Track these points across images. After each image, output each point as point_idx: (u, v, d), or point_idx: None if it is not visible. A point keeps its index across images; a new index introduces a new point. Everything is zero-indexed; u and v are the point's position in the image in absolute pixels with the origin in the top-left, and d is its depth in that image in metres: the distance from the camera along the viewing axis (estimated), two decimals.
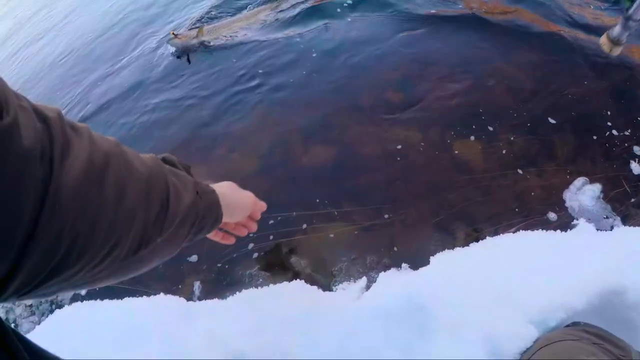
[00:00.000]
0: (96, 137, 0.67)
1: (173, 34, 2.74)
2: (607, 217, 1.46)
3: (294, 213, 1.61)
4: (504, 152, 1.64)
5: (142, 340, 1.35)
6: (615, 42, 1.03)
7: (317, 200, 1.62)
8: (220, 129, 1.95)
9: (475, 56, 1.93)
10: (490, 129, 1.69)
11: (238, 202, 1.14)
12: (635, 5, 0.94)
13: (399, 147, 1.71)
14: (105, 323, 1.45)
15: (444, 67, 1.91)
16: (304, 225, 1.58)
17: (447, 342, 1.12)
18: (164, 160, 0.88)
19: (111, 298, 1.56)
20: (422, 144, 1.70)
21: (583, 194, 1.50)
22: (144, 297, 1.53)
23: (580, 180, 1.53)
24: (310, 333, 1.24)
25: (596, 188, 1.51)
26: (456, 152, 1.66)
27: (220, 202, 0.97)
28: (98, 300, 1.58)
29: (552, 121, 1.66)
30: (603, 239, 1.34)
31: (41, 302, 1.68)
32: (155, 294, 1.53)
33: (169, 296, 1.52)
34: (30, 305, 1.69)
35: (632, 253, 1.18)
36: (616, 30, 1.01)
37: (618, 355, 0.91)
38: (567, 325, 1.09)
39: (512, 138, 1.62)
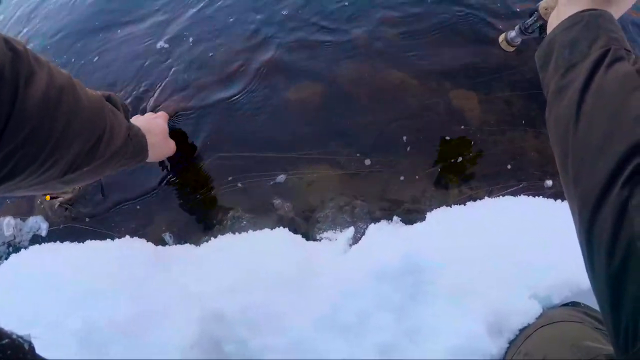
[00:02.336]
0: (54, 70, 0.78)
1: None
2: None
3: (278, 153, 1.47)
4: (502, 108, 1.52)
5: (106, 291, 1.24)
6: (509, 42, 1.14)
7: (303, 141, 1.47)
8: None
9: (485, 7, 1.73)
10: (491, 83, 1.57)
11: (164, 151, 1.33)
12: (531, 20, 1.03)
13: (394, 90, 1.55)
14: (66, 272, 1.31)
15: (446, 16, 1.70)
16: (288, 167, 1.44)
17: (446, 309, 1.07)
18: (108, 98, 0.99)
19: (73, 240, 1.43)
20: (419, 89, 1.55)
21: None
22: (108, 240, 1.40)
23: None
24: (297, 292, 1.17)
25: None
26: (453, 102, 1.53)
27: (148, 147, 1.13)
28: (58, 242, 1.44)
29: None
30: None
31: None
32: (120, 237, 1.41)
33: (136, 240, 1.40)
34: None
35: None
36: (512, 34, 1.12)
37: None
38: (566, 304, 1.06)
39: (512, 96, 1.50)
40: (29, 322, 1.21)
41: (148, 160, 1.20)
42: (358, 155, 1.45)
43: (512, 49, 1.15)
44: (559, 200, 1.33)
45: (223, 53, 1.69)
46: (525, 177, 1.42)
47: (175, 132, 1.50)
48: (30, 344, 0.70)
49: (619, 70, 0.64)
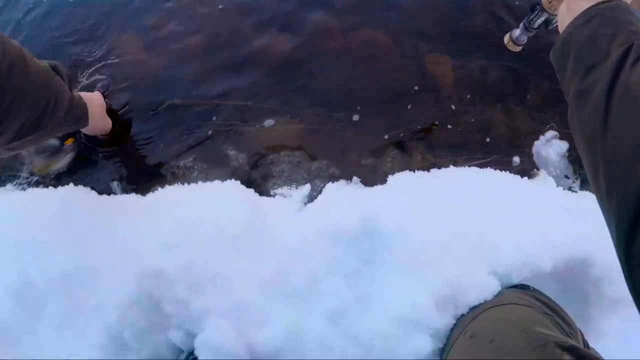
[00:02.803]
0: (7, 44, 0.84)
1: None
2: (567, 177, 1.38)
3: (238, 103, 1.37)
4: (476, 79, 1.44)
5: (45, 244, 1.16)
6: (515, 42, 1.07)
7: (264, 92, 1.38)
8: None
9: None
10: (468, 52, 1.48)
11: (101, 124, 1.33)
12: (534, 15, 0.98)
13: (365, 49, 1.45)
14: (4, 218, 1.23)
15: None
16: (248, 118, 1.35)
17: (400, 277, 1.00)
18: (54, 68, 1.03)
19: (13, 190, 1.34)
20: (391, 50, 1.45)
21: (551, 146, 1.40)
22: (50, 188, 1.31)
23: (551, 133, 1.42)
24: (245, 250, 1.09)
25: (564, 145, 1.40)
26: (427, 66, 1.44)
27: (88, 114, 1.17)
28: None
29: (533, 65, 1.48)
30: (573, 201, 1.24)
31: None
32: (63, 185, 1.31)
33: (81, 188, 1.30)
34: None
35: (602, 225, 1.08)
36: (517, 32, 1.06)
37: (567, 330, 0.85)
38: (515, 286, 1.01)
39: (488, 67, 1.42)
40: None
41: (88, 132, 1.32)
42: (321, 112, 1.37)
43: (519, 49, 1.07)
44: (525, 178, 1.29)
45: None
46: (492, 151, 1.37)
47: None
48: None
49: None
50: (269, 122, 1.34)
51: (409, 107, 1.38)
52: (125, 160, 1.38)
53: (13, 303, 1.11)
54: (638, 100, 0.57)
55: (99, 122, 1.30)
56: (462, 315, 0.95)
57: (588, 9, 0.71)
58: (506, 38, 1.08)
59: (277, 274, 1.06)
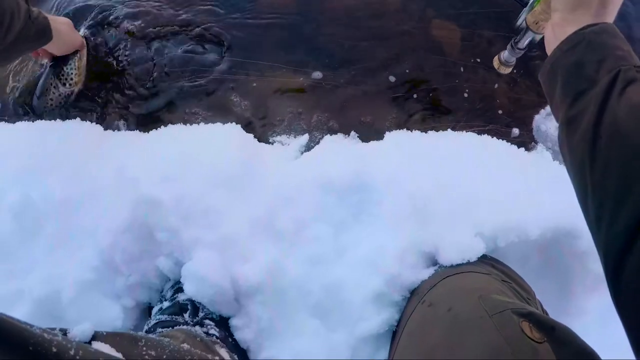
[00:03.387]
0: None
1: None
2: None
3: (242, 54, 1.39)
4: (482, 48, 1.43)
5: (47, 170, 1.20)
6: (505, 64, 1.06)
7: (270, 45, 1.39)
8: None
9: None
10: (476, 21, 1.46)
11: (71, 39, 1.33)
12: (520, 36, 0.98)
13: (372, 8, 1.44)
14: (13, 143, 1.27)
15: None
16: (251, 69, 1.37)
17: (384, 232, 1.04)
18: None
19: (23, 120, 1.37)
20: (399, 11, 1.44)
21: (551, 120, 1.40)
22: (58, 120, 1.34)
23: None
24: (238, 190, 1.13)
25: None
26: (433, 30, 1.43)
27: (51, 27, 1.18)
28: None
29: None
30: (566, 175, 1.23)
31: None
32: (70, 119, 1.35)
33: (87, 123, 1.34)
34: None
35: None
36: (505, 54, 1.05)
37: (524, 296, 0.86)
38: None
39: (495, 36, 1.42)
40: None
41: (58, 52, 1.33)
42: (325, 67, 1.38)
43: (508, 70, 1.06)
44: (522, 149, 1.29)
45: None
46: (491, 121, 1.38)
47: None
48: None
49: (633, 98, 0.59)
50: (272, 74, 1.36)
51: (412, 70, 1.39)
52: (131, 101, 1.40)
53: (12, 220, 1.15)
54: (625, 133, 0.57)
55: (66, 36, 1.29)
56: (422, 281, 0.97)
57: (574, 33, 0.70)
58: (495, 62, 1.08)
59: (266, 215, 1.09)
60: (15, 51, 1.13)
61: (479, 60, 1.43)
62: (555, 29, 0.75)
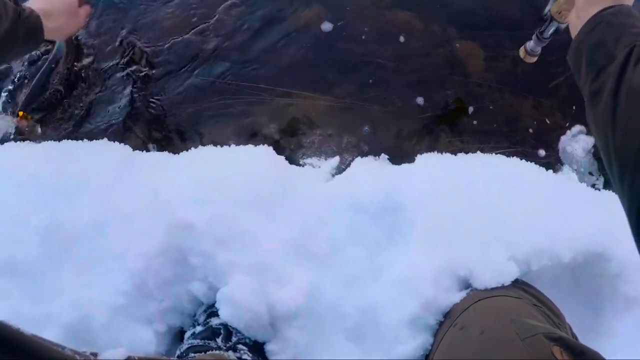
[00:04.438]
0: None
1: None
2: (591, 174, 1.39)
3: (271, 73, 1.40)
4: (507, 68, 1.45)
5: (75, 191, 1.20)
6: (530, 54, 1.11)
7: (299, 67, 1.41)
8: None
9: None
10: (502, 39, 1.49)
11: (63, 18, 1.19)
12: (545, 25, 1.02)
13: (398, 31, 1.46)
14: (36, 168, 1.25)
15: None
16: (281, 91, 1.38)
17: (418, 253, 1.03)
18: None
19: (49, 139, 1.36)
20: (423, 33, 1.47)
21: (577, 142, 1.41)
22: (85, 140, 1.34)
23: (577, 128, 1.43)
24: (271, 212, 1.12)
25: (590, 141, 1.41)
26: (458, 52, 1.45)
27: (42, 27, 1.10)
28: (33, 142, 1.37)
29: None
30: (594, 197, 1.26)
31: None
32: (98, 139, 1.35)
33: (116, 143, 1.33)
34: None
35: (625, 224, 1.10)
36: (531, 44, 1.09)
37: (555, 321, 0.88)
38: None
39: (520, 58, 1.45)
40: (16, 227, 1.16)
41: (55, 38, 1.28)
42: (353, 88, 1.39)
43: (534, 59, 1.12)
44: (550, 171, 1.30)
45: None
46: (518, 142, 1.39)
47: None
48: None
49: None
50: (303, 96, 1.37)
51: (438, 91, 1.40)
52: (160, 123, 1.41)
53: (40, 243, 1.15)
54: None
55: (66, 23, 1.21)
56: (454, 304, 0.97)
57: (593, 16, 0.78)
58: (521, 51, 1.13)
59: (301, 237, 1.09)
60: (4, 53, 1.05)
61: (504, 80, 1.44)
62: (579, 13, 0.83)
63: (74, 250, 1.15)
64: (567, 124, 1.43)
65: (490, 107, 1.41)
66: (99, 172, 1.24)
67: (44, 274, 1.14)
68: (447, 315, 0.97)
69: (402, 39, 1.45)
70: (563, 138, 1.42)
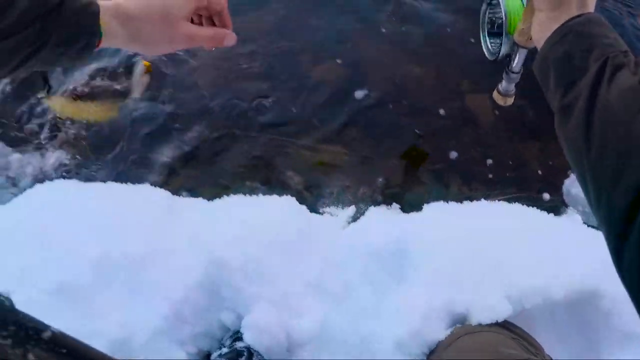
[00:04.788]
0: None
1: None
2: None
3: (294, 126, 1.60)
4: (514, 116, 1.61)
5: (123, 228, 1.39)
6: (505, 94, 1.03)
7: (321, 120, 1.61)
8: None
9: None
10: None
11: (154, 27, 0.78)
12: (512, 60, 0.95)
13: (410, 81, 1.66)
14: (88, 205, 1.46)
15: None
16: (303, 142, 1.57)
17: (421, 292, 1.18)
18: None
19: (96, 180, 1.59)
20: (435, 84, 1.66)
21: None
22: (129, 184, 1.55)
23: None
24: (293, 255, 1.29)
25: None
26: (468, 103, 1.63)
27: (99, 22, 0.71)
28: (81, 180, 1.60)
29: None
30: (592, 236, 1.35)
31: (24, 175, 1.67)
32: (140, 183, 1.56)
33: (157, 188, 1.54)
34: (13, 177, 1.67)
35: None
36: (503, 84, 1.02)
37: (532, 350, 0.97)
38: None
39: (526, 105, 1.58)
40: (47, 246, 1.36)
41: (137, 49, 0.84)
42: (369, 141, 1.57)
43: (511, 100, 1.02)
44: (551, 215, 1.40)
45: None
46: (524, 187, 1.50)
47: None
48: (9, 299, 0.71)
49: (622, 84, 0.63)
50: (323, 149, 1.55)
51: (449, 141, 1.57)
52: (193, 171, 1.61)
53: (92, 271, 1.32)
54: (616, 116, 0.60)
55: (153, 37, 0.79)
56: (439, 341, 1.10)
57: (560, 26, 0.73)
58: (496, 97, 1.03)
59: (318, 277, 1.25)
60: (11, 53, 0.64)
61: (512, 129, 1.58)
62: (542, 27, 0.77)
63: (121, 278, 1.32)
64: (567, 166, 1.44)
65: (499, 155, 1.54)
66: (143, 212, 1.44)
67: (93, 297, 1.31)
68: (432, 351, 1.10)
69: (415, 91, 1.64)
70: (567, 181, 1.51)
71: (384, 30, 1.78)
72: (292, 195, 1.46)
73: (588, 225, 1.42)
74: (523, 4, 0.87)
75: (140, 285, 1.31)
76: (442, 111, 1.61)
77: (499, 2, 0.90)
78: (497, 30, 0.96)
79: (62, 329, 0.74)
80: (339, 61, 1.71)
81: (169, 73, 1.74)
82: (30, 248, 1.39)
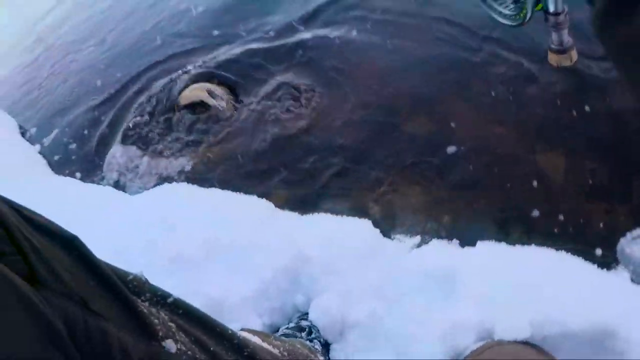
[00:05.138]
0: None
1: None
2: None
3: (383, 165, 1.94)
4: (586, 178, 1.70)
5: (231, 223, 1.78)
6: (560, 50, 0.83)
7: (408, 160, 1.93)
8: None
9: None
10: (583, 153, 1.75)
11: None
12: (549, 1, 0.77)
13: (493, 139, 1.89)
14: (204, 201, 1.91)
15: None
16: (390, 179, 1.89)
17: (460, 307, 1.40)
18: None
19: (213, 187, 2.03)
20: (512, 143, 1.86)
21: (636, 244, 1.55)
22: (241, 193, 1.97)
23: (638, 231, 1.57)
24: (362, 264, 1.57)
25: None
26: (538, 158, 1.79)
27: None
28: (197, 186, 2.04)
29: None
30: (633, 289, 1.45)
31: (151, 175, 2.19)
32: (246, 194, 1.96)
33: (262, 200, 1.93)
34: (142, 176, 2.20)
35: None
36: (553, 37, 0.83)
37: None
38: None
39: (599, 169, 1.67)
40: (168, 227, 1.80)
41: None
42: (445, 186, 1.84)
43: (568, 60, 0.83)
44: (604, 270, 1.48)
45: None
46: (583, 242, 1.58)
47: None
48: (143, 276, 0.83)
49: None
50: (403, 185, 1.86)
51: (519, 194, 1.74)
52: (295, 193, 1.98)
53: (203, 248, 1.70)
54: None
55: None
56: (472, 351, 1.28)
57: None
58: (551, 58, 0.85)
59: (379, 284, 1.51)
60: None
61: (582, 189, 1.69)
62: None
63: (226, 258, 1.69)
64: (630, 226, 1.57)
65: (564, 212, 1.65)
66: (250, 214, 1.83)
67: (202, 267, 1.68)
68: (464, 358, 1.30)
69: (493, 145, 1.86)
70: (623, 240, 1.55)
71: (474, 90, 2.04)
72: (369, 219, 1.77)
73: (635, 283, 1.47)
74: None
75: (239, 265, 1.66)
76: (516, 167, 1.80)
77: None
78: None
79: (174, 286, 0.94)
80: (428, 116, 2.04)
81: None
82: (155, 228, 1.83)
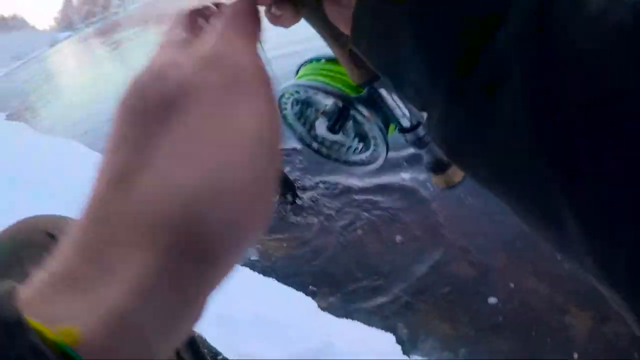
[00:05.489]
0: None
1: None
2: None
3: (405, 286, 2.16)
4: (609, 341, 1.72)
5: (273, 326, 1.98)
6: (439, 168, 0.68)
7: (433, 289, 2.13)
8: None
9: None
10: (607, 315, 1.76)
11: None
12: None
13: (527, 292, 1.98)
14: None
15: None
16: (415, 305, 2.09)
17: None
18: None
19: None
20: (545, 297, 1.93)
21: None
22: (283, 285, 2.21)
23: None
24: None
25: None
26: (566, 317, 1.84)
27: None
28: None
29: None
30: None
31: None
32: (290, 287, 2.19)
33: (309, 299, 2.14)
34: None
35: None
36: (424, 158, 0.69)
37: None
38: None
39: (622, 333, 1.69)
40: None
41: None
42: (473, 326, 1.95)
43: (451, 177, 0.68)
44: None
45: None
46: None
47: None
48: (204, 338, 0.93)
49: None
50: (431, 320, 2.04)
51: (540, 349, 1.78)
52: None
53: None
54: None
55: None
56: None
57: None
58: (435, 180, 0.71)
59: None
60: None
61: (604, 352, 1.69)
62: None
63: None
64: None
65: None
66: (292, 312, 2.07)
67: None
68: None
69: (529, 302, 1.93)
70: None
71: (518, 245, 2.16)
72: (392, 334, 1.94)
73: None
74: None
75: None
76: (542, 319, 1.85)
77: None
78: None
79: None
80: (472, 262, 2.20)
81: None
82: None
